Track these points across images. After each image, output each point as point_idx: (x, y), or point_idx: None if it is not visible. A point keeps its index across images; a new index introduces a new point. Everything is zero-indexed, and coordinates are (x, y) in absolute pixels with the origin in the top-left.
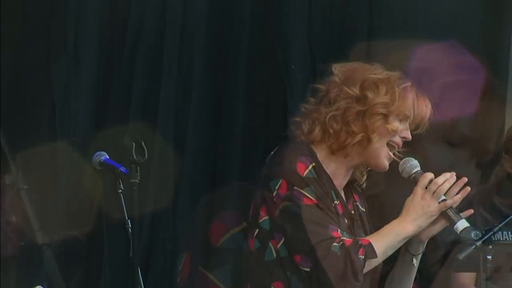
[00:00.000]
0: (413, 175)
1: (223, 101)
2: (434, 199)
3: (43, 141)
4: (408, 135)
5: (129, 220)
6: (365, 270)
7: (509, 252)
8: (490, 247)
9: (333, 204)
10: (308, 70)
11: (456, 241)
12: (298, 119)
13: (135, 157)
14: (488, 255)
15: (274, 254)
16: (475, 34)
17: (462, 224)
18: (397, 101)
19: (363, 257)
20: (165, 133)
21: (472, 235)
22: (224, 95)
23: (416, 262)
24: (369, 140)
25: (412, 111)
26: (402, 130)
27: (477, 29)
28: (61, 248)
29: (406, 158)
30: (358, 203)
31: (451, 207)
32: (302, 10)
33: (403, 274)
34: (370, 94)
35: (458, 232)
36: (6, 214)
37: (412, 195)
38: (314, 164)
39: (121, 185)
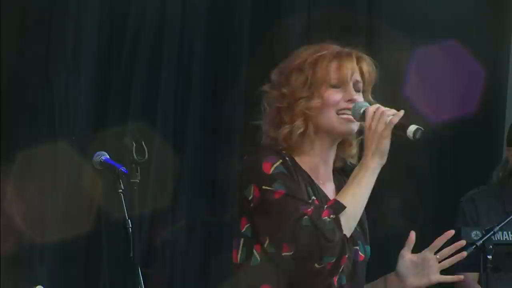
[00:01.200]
0: (363, 113)
1: (223, 101)
2: (380, 122)
3: (43, 141)
4: (350, 95)
5: (129, 220)
6: (347, 223)
7: (510, 252)
8: (491, 247)
9: (310, 201)
10: None
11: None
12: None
13: (135, 157)
14: (489, 255)
15: (259, 258)
16: (475, 34)
17: (411, 129)
18: (311, 77)
19: (329, 218)
20: (165, 133)
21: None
22: (223, 95)
23: None
24: (309, 124)
25: (336, 75)
26: (342, 95)
27: (477, 29)
28: (60, 248)
29: (354, 103)
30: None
31: (399, 122)
32: (301, 10)
33: None
34: (285, 89)
35: (411, 136)
36: (6, 213)
37: (364, 130)
38: (282, 160)
39: (121, 185)
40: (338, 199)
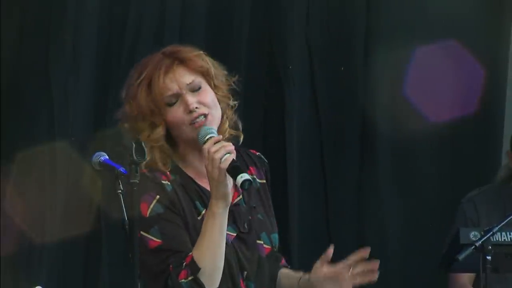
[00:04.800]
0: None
1: None
2: (215, 167)
3: (42, 142)
4: (187, 106)
5: (128, 220)
6: (210, 280)
7: (509, 253)
8: (490, 247)
9: (199, 218)
10: (306, 70)
11: (455, 242)
12: None
13: (134, 157)
14: (488, 255)
15: None
16: (474, 34)
17: (239, 180)
18: (140, 111)
19: (186, 280)
20: None
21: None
22: None
23: None
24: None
25: (156, 98)
26: (182, 108)
27: (476, 28)
28: (60, 248)
29: (201, 128)
30: (254, 176)
31: (231, 166)
32: (300, 10)
33: None
34: (128, 123)
35: (239, 186)
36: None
37: None
38: (159, 196)
39: (121, 185)
40: (194, 257)
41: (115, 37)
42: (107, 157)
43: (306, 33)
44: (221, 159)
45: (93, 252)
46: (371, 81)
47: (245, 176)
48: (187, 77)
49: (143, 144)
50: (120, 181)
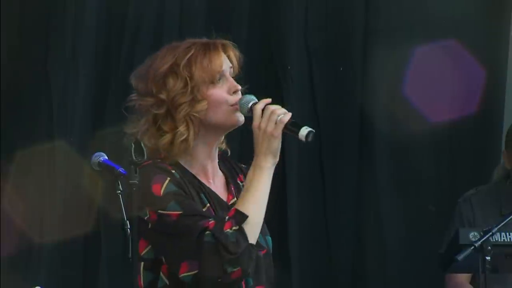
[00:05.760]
0: (250, 109)
1: None
2: (270, 122)
3: (41, 142)
4: (234, 85)
5: (127, 221)
6: (252, 231)
7: (508, 253)
8: (489, 248)
9: (205, 209)
10: (305, 70)
11: (454, 242)
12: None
13: (134, 158)
14: (487, 256)
15: (166, 281)
16: (473, 34)
17: (303, 131)
18: (189, 80)
19: (231, 230)
20: None
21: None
22: None
23: None
24: (191, 128)
25: (211, 70)
26: (226, 89)
27: (475, 28)
28: (59, 249)
29: (241, 97)
30: (244, 184)
31: (290, 122)
32: (299, 10)
33: None
34: (163, 95)
35: (304, 140)
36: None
37: (253, 130)
38: (169, 178)
39: (120, 186)
40: (239, 208)
41: (114, 36)
42: (106, 157)
43: (305, 33)
44: (279, 115)
45: (92, 253)
46: (370, 81)
47: (308, 128)
48: (228, 62)
49: (142, 144)
50: (119, 181)
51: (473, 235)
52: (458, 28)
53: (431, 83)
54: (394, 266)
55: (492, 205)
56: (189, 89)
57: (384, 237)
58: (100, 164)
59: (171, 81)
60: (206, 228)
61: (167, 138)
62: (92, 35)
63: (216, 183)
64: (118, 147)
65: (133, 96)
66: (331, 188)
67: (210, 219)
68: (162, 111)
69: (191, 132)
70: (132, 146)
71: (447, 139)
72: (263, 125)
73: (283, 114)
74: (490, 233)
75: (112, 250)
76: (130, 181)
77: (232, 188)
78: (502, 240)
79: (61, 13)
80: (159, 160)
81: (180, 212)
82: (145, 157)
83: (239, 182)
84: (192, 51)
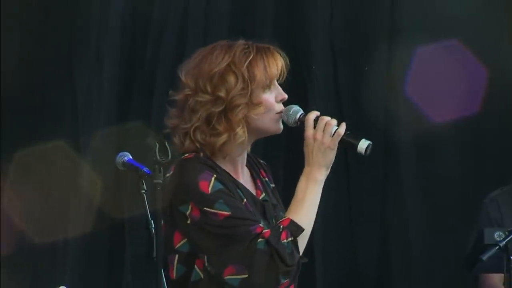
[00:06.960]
0: (298, 120)
1: None
2: (326, 133)
3: (66, 141)
4: (282, 94)
5: (152, 221)
6: (302, 244)
7: None
8: None
9: (243, 204)
10: (330, 70)
11: (479, 242)
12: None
13: (158, 157)
14: (511, 256)
15: (201, 274)
16: (498, 33)
17: (363, 144)
18: (249, 82)
19: (287, 240)
20: None
21: (495, 236)
22: None
23: None
24: (246, 131)
25: (268, 75)
26: (274, 96)
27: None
28: (83, 249)
29: (287, 107)
30: (267, 179)
31: (346, 134)
32: (324, 10)
33: None
34: (222, 93)
35: (363, 153)
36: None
37: (305, 141)
38: (215, 175)
39: (144, 185)
40: (294, 220)
41: (139, 37)
42: (131, 157)
43: (329, 33)
44: (334, 126)
45: (116, 252)
46: (395, 81)
47: (367, 140)
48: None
49: (166, 143)
50: (143, 181)
51: (498, 235)
52: (483, 27)
53: (457, 82)
54: (419, 266)
55: None
56: (249, 91)
57: (409, 237)
58: (124, 164)
59: (232, 80)
60: (259, 235)
61: (223, 138)
62: (117, 35)
63: (246, 179)
64: (141, 147)
65: (187, 91)
66: (356, 188)
67: (260, 224)
68: (218, 109)
69: (247, 135)
70: (156, 145)
71: (472, 139)
72: (318, 136)
73: (338, 126)
74: None
75: (136, 250)
76: (154, 181)
77: (259, 184)
78: None
79: (86, 13)
80: (201, 155)
81: (229, 213)
82: (169, 157)
83: (262, 178)
84: (252, 54)
